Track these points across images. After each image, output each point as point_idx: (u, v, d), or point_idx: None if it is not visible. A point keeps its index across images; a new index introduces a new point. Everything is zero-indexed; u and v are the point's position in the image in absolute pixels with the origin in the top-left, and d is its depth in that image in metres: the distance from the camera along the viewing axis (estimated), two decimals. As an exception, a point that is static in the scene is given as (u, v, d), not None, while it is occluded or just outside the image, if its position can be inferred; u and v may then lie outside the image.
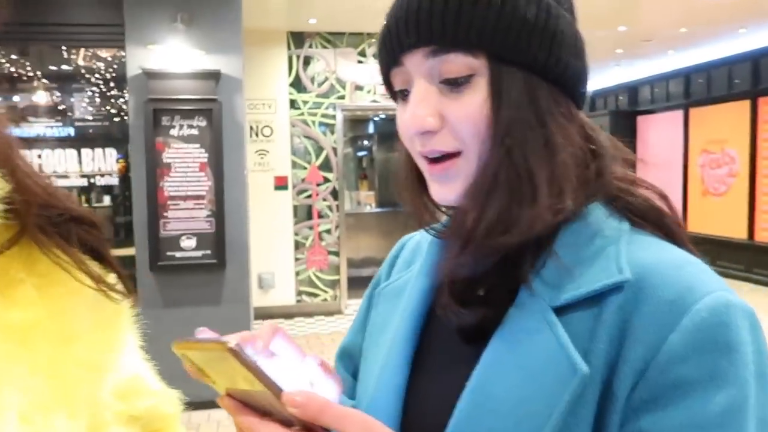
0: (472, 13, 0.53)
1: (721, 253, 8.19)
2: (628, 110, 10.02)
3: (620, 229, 0.56)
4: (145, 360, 0.73)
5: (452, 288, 0.58)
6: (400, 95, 0.60)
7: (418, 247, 0.74)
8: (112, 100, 4.56)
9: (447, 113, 0.55)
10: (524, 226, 0.53)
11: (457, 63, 0.54)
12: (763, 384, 0.48)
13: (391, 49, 0.57)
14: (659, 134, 9.39)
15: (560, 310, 0.52)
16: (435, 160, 0.57)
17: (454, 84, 0.54)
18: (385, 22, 0.59)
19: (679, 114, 8.90)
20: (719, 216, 8.17)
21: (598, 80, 10.42)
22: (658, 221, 0.60)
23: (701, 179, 8.52)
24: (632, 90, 10.03)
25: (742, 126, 7.74)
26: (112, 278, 0.64)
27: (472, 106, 0.54)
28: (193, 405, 3.27)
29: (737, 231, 7.87)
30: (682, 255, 0.56)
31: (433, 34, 0.54)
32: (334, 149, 5.99)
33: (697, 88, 8.60)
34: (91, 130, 4.58)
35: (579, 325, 0.51)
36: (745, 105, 7.71)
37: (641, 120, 9.79)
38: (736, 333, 0.48)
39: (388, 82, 0.62)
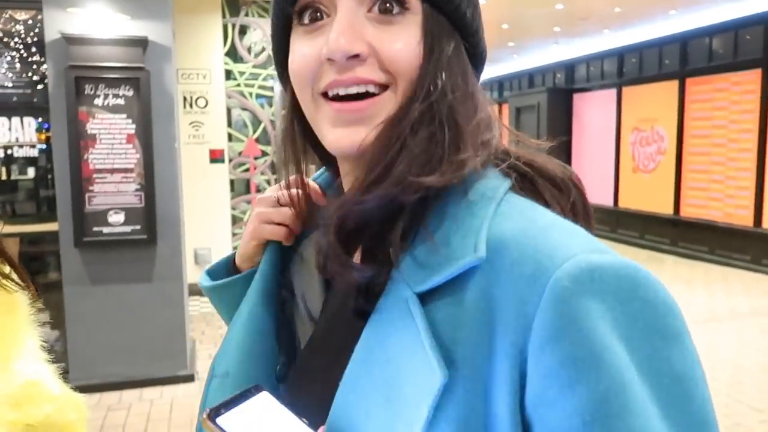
0: None
1: (648, 228, 8.57)
2: (564, 88, 10.25)
3: (495, 193, 0.51)
4: (45, 361, 0.69)
5: (339, 233, 0.51)
6: (303, 19, 0.54)
7: None
8: (33, 66, 4.30)
9: (378, 43, 0.51)
10: (449, 168, 0.49)
11: None
12: (654, 343, 0.41)
13: None
14: (594, 112, 9.66)
15: (426, 296, 0.47)
16: (347, 99, 0.52)
17: (388, 13, 0.52)
18: None
19: (612, 92, 9.17)
20: (648, 192, 8.52)
21: (536, 57, 10.59)
22: (550, 180, 0.57)
23: (632, 156, 8.83)
24: (569, 68, 10.24)
25: (671, 105, 8.05)
26: (5, 269, 0.59)
27: (408, 39, 0.52)
28: (146, 382, 3.19)
29: (664, 206, 8.24)
30: (549, 219, 0.48)
31: None
32: (272, 122, 5.86)
33: (629, 68, 8.87)
34: (10, 98, 4.31)
35: (444, 312, 0.46)
36: (673, 85, 8.01)
37: (577, 97, 10.04)
38: (599, 301, 0.41)
39: (283, 4, 0.56)
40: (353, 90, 0.52)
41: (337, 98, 0.53)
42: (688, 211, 7.92)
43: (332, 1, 0.52)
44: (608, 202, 9.23)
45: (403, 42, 0.51)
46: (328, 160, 0.66)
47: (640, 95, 8.65)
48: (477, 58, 0.58)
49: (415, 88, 0.52)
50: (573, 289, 0.41)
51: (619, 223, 9.10)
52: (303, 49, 0.54)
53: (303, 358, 0.64)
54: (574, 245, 0.44)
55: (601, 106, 9.47)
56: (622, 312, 0.41)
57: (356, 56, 0.51)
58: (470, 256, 0.46)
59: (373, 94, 0.52)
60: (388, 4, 0.52)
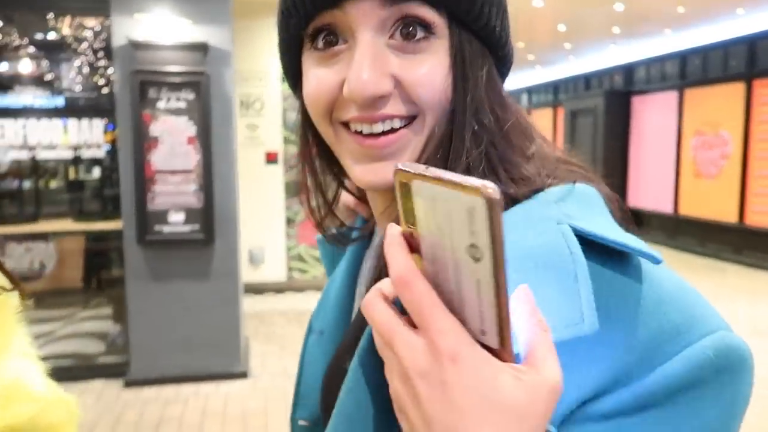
0: None
1: (710, 236, 8.23)
2: (623, 90, 9.97)
3: (567, 238, 0.43)
4: (34, 360, 0.67)
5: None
6: (316, 43, 0.50)
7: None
8: (100, 71, 4.48)
9: (402, 74, 0.48)
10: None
11: (420, 12, 0.47)
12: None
13: None
14: (654, 115, 9.36)
15: None
16: (379, 135, 0.49)
17: (411, 39, 0.48)
18: None
19: (673, 95, 8.87)
20: (710, 198, 8.19)
21: (593, 59, 10.35)
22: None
23: (694, 161, 8.52)
24: (628, 70, 9.96)
25: (737, 108, 7.72)
26: None
27: (434, 70, 0.48)
28: (202, 377, 3.26)
29: (728, 214, 7.90)
30: (671, 281, 0.45)
31: None
32: (326, 125, 5.93)
33: (692, 70, 8.55)
34: (78, 101, 4.51)
35: None
36: (740, 87, 7.68)
37: (636, 100, 9.75)
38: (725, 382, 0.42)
39: (294, 28, 0.51)
40: (378, 128, 0.49)
41: (360, 133, 0.50)
42: (753, 219, 7.58)
43: (349, 26, 0.48)
44: (668, 208, 8.93)
45: (429, 72, 0.48)
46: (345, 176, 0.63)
47: (704, 98, 8.34)
48: (506, 66, 0.54)
49: (451, 124, 0.48)
50: (715, 362, 0.41)
51: (678, 230, 8.78)
52: (319, 76, 0.50)
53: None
54: (715, 318, 0.44)
55: (661, 109, 9.17)
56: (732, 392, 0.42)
57: (381, 97, 0.48)
58: (576, 326, 0.39)
59: (399, 128, 0.49)
60: (411, 29, 0.48)
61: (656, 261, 0.43)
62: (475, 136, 0.48)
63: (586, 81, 11.24)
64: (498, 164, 0.48)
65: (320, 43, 0.50)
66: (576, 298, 0.40)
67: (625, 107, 9.83)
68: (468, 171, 0.47)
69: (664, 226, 9.01)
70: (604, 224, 0.45)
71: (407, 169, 0.33)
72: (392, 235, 0.36)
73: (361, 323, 0.55)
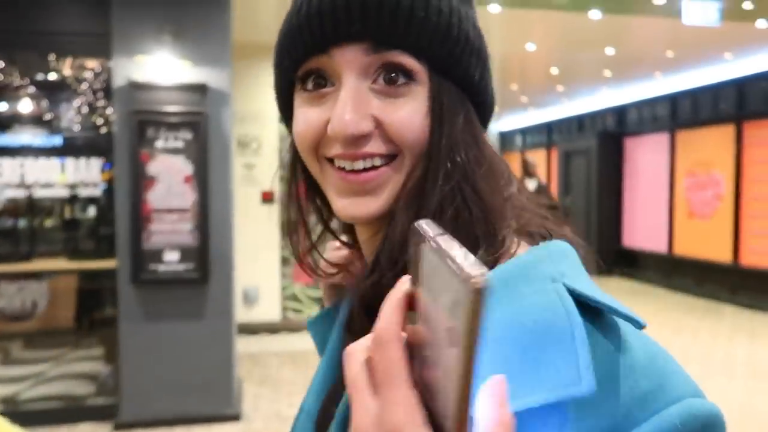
0: (424, 16, 0.50)
1: (706, 276, 8.24)
2: (615, 131, 10.11)
3: (561, 297, 0.44)
4: None
5: (359, 311, 0.52)
6: (306, 85, 0.54)
7: None
8: (99, 111, 4.53)
9: (383, 117, 0.51)
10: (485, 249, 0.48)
11: (402, 60, 0.50)
12: None
13: (320, 36, 0.51)
14: (646, 156, 9.47)
15: None
16: (359, 172, 0.52)
17: (393, 84, 0.51)
18: (304, 3, 0.52)
19: (665, 136, 9.00)
20: (705, 239, 8.23)
21: (586, 102, 10.52)
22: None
23: (687, 201, 8.58)
24: (620, 112, 10.13)
25: (728, 149, 7.83)
26: None
27: (414, 113, 0.51)
28: (195, 419, 3.20)
29: (722, 254, 7.93)
30: (643, 343, 0.46)
31: (381, 27, 0.49)
32: (323, 164, 5.98)
33: (683, 111, 8.70)
34: (77, 140, 4.54)
35: None
36: (730, 129, 7.80)
37: (629, 141, 9.89)
38: None
39: (286, 71, 0.55)
40: (359, 165, 0.52)
41: (343, 169, 0.53)
42: (748, 259, 7.59)
43: (336, 70, 0.52)
44: (662, 248, 8.95)
45: (409, 115, 0.51)
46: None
47: (695, 139, 8.46)
48: (486, 112, 0.57)
49: (427, 163, 0.51)
50: (682, 430, 0.41)
51: (674, 271, 8.78)
52: (307, 115, 0.54)
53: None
54: (684, 385, 0.44)
55: (653, 150, 9.28)
56: None
57: (362, 137, 0.51)
58: (573, 386, 0.39)
59: (379, 166, 0.52)
60: (393, 74, 0.51)
61: (640, 326, 0.45)
62: (448, 174, 0.51)
63: (579, 122, 11.41)
64: (473, 202, 0.50)
65: (310, 85, 0.54)
66: (573, 358, 0.40)
67: (618, 148, 9.96)
68: (441, 206, 0.50)
69: (660, 267, 9.01)
70: (590, 284, 0.47)
71: (421, 230, 0.34)
72: (396, 290, 0.36)
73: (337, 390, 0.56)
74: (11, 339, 4.94)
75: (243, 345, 5.40)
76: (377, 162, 0.52)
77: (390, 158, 0.52)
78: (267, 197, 5.84)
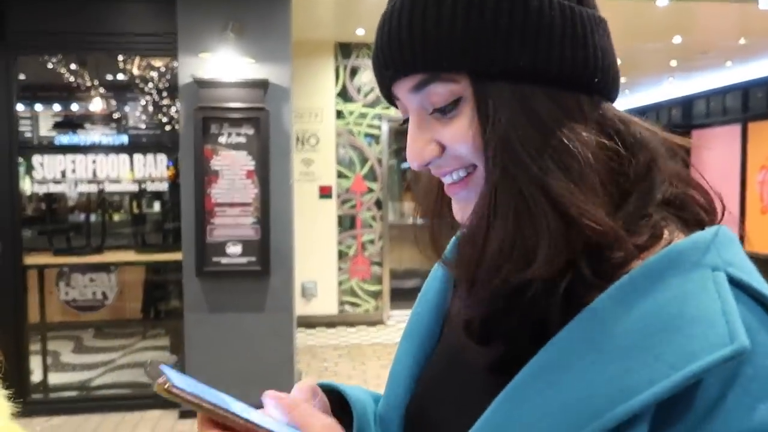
0: (438, 35, 0.49)
1: (780, 275, 7.82)
2: (681, 124, 9.72)
3: (702, 258, 0.46)
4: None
5: (466, 329, 0.53)
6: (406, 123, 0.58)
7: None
8: (164, 109, 4.68)
9: (442, 140, 0.53)
10: (545, 257, 0.46)
11: (440, 93, 0.51)
12: None
13: (379, 77, 0.56)
14: (716, 149, 9.06)
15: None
16: (450, 184, 0.55)
17: (443, 112, 0.52)
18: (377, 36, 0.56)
19: (736, 128, 8.58)
20: (779, 235, 7.81)
21: (650, 94, 10.16)
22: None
23: (760, 196, 8.16)
24: (686, 104, 9.72)
25: (805, 141, 7.40)
26: None
27: (461, 130, 0.51)
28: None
29: (799, 251, 7.50)
30: None
31: (407, 64, 0.51)
32: (379, 160, 5.98)
33: (756, 102, 8.27)
34: (143, 138, 4.70)
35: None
36: (808, 120, 7.37)
37: (696, 135, 9.48)
38: None
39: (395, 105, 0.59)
40: (449, 180, 0.55)
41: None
42: (828, 258, 7.17)
43: (404, 106, 0.55)
44: (732, 245, 8.55)
45: (455, 136, 0.52)
46: None
47: (769, 131, 8.03)
48: (565, 75, 0.50)
49: (486, 170, 0.51)
50: None
51: (745, 269, 8.39)
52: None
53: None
54: None
55: (723, 143, 8.87)
56: None
57: (429, 162, 0.54)
58: (725, 346, 0.41)
59: (464, 177, 0.54)
60: (440, 106, 0.52)
61: None
62: (502, 178, 0.49)
63: (643, 115, 11.00)
64: (539, 204, 0.47)
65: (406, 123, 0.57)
66: (721, 322, 0.41)
67: (687, 149, 9.57)
68: (495, 211, 0.49)
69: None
70: (758, 277, 0.47)
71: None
72: (198, 422, 0.51)
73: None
74: (83, 328, 5.17)
75: (301, 338, 5.47)
76: (462, 173, 0.54)
77: (473, 167, 0.53)
78: (325, 192, 5.90)
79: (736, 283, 0.45)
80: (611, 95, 0.54)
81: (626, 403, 0.41)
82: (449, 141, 0.52)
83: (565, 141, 0.48)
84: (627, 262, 0.48)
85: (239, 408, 0.51)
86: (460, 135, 0.51)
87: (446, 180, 0.55)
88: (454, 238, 0.64)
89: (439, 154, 0.53)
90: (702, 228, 0.50)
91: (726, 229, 0.50)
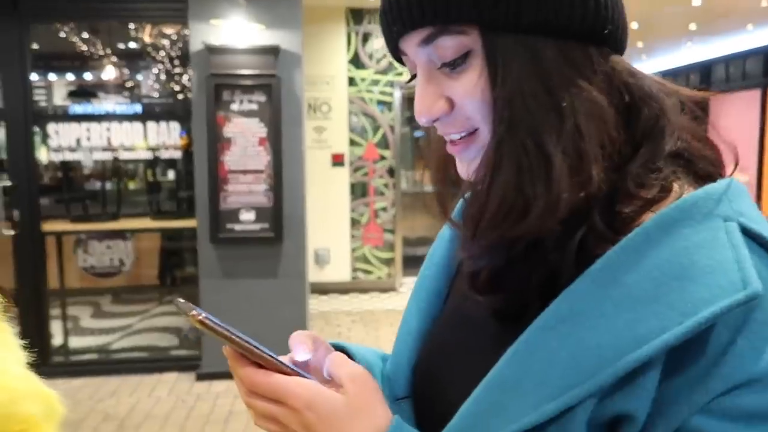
0: None
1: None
2: (700, 89, 9.52)
3: (715, 209, 0.47)
4: (14, 350, 0.65)
5: (471, 280, 0.55)
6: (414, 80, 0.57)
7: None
8: (177, 76, 4.68)
9: (452, 95, 0.53)
10: (542, 210, 0.47)
11: (449, 46, 0.50)
12: None
13: (388, 33, 0.55)
14: (734, 115, 8.91)
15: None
16: (455, 141, 0.55)
17: (453, 66, 0.51)
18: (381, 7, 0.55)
19: (756, 94, 8.41)
20: (797, 203, 7.71)
21: (668, 59, 9.96)
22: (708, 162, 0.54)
23: None
24: (705, 68, 9.52)
25: (827, 107, 7.24)
26: None
27: (471, 84, 0.51)
28: (215, 375, 3.27)
29: (816, 219, 7.42)
30: None
31: (415, 17, 0.50)
32: (392, 127, 5.96)
33: (777, 67, 8.09)
34: (156, 106, 4.72)
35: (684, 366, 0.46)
36: (830, 84, 7.20)
37: (714, 100, 9.31)
38: None
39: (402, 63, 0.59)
40: (454, 137, 0.55)
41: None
42: None
43: (413, 62, 0.55)
44: (748, 213, 8.47)
45: (465, 91, 0.51)
46: None
47: (790, 97, 7.86)
48: (575, 27, 0.49)
49: (491, 126, 0.51)
50: None
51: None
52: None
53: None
54: None
55: (742, 109, 8.71)
56: None
57: (438, 119, 0.54)
58: (738, 292, 0.42)
59: (466, 136, 0.54)
60: (449, 60, 0.52)
61: None
62: (505, 131, 0.49)
63: (660, 81, 10.84)
64: (533, 156, 0.48)
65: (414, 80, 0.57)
66: (734, 269, 0.43)
67: (703, 107, 9.41)
68: (499, 163, 0.50)
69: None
70: None
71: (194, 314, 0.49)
72: (227, 357, 0.54)
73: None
74: (101, 294, 5.28)
75: (315, 304, 5.55)
76: (464, 134, 0.54)
77: (474, 130, 0.53)
78: (337, 159, 5.90)
79: (747, 233, 0.46)
80: (620, 48, 0.53)
81: (637, 351, 0.42)
82: (458, 96, 0.52)
83: (572, 96, 0.48)
84: (638, 215, 0.49)
85: (264, 348, 0.53)
86: (469, 89, 0.51)
87: (450, 138, 0.55)
88: (461, 200, 0.65)
89: (448, 111, 0.53)
90: (712, 182, 0.50)
91: (737, 181, 0.50)
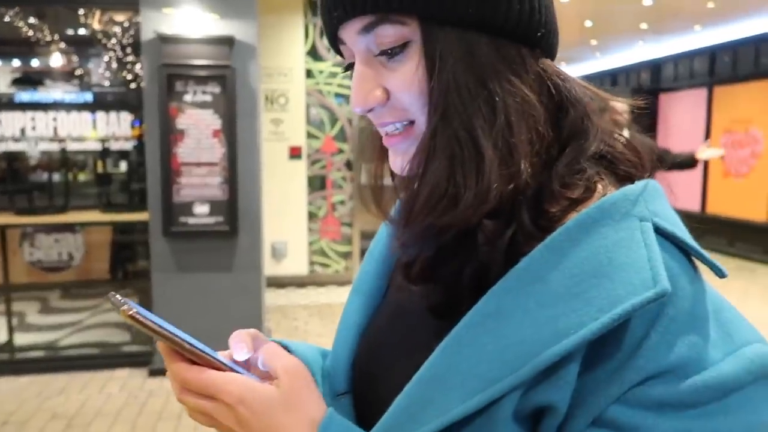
0: None
1: (739, 235, 8.08)
2: (650, 87, 9.82)
3: (632, 209, 0.49)
4: None
5: (405, 270, 0.56)
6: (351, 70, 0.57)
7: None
8: (128, 65, 4.55)
9: (388, 85, 0.53)
10: (472, 200, 0.49)
11: (389, 35, 0.51)
12: None
13: (329, 25, 0.55)
14: (682, 113, 9.20)
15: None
16: (391, 134, 0.55)
17: (391, 55, 0.52)
18: None
19: (702, 92, 8.71)
20: (739, 198, 8.03)
21: (620, 56, 10.21)
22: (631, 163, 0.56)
23: (722, 160, 8.35)
24: (655, 67, 9.81)
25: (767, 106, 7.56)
26: None
27: (408, 75, 0.52)
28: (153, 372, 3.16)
29: (757, 213, 7.74)
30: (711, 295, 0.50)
31: (357, 5, 0.51)
32: (350, 120, 5.94)
33: (722, 66, 8.39)
34: (107, 96, 4.58)
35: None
36: (771, 84, 7.51)
37: (664, 98, 9.60)
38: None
39: (339, 52, 0.59)
40: (390, 129, 0.55)
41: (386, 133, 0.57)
42: (784, 219, 7.40)
43: (350, 50, 0.55)
44: (695, 207, 8.78)
45: (402, 81, 0.52)
46: None
47: (734, 95, 8.17)
48: (511, 26, 0.51)
49: (427, 117, 0.52)
50: (758, 369, 0.45)
51: (706, 230, 8.63)
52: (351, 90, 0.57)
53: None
54: (752, 332, 0.49)
55: (689, 106, 9.01)
56: None
57: (373, 108, 0.54)
58: (648, 289, 0.44)
59: (402, 130, 0.54)
60: (387, 49, 0.52)
61: (722, 274, 0.50)
62: (441, 122, 0.50)
63: (613, 78, 11.10)
64: (467, 147, 0.49)
65: (351, 69, 0.57)
66: (646, 267, 0.45)
67: (653, 105, 9.69)
68: (434, 154, 0.50)
69: (692, 226, 8.84)
70: (681, 227, 0.51)
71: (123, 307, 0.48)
72: (161, 352, 0.54)
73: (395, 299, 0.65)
74: (49, 289, 5.12)
75: (272, 298, 5.51)
76: (399, 127, 0.54)
77: (411, 123, 0.54)
78: (295, 152, 5.86)
79: (661, 233, 0.48)
80: (551, 52, 0.55)
81: (557, 345, 0.44)
82: (395, 86, 0.52)
83: (504, 92, 0.50)
84: (564, 214, 0.51)
85: (199, 344, 0.53)
86: (406, 79, 0.52)
87: (386, 130, 0.56)
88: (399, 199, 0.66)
89: (384, 101, 0.53)
90: (632, 182, 0.52)
91: (654, 182, 0.52)
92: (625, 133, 0.59)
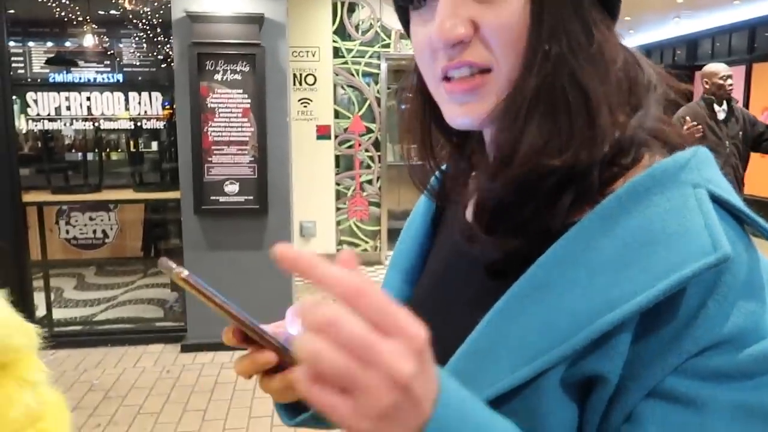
0: None
1: (776, 217, 7.88)
2: (686, 65, 9.55)
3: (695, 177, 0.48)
4: None
5: (477, 216, 0.54)
6: (414, 3, 0.54)
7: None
8: (159, 45, 4.59)
9: (481, 21, 0.49)
10: (587, 142, 0.47)
11: None
12: None
13: None
14: (718, 91, 8.93)
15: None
16: (459, 80, 0.51)
17: None
18: None
19: (741, 69, 8.44)
20: (777, 178, 7.81)
21: (655, 33, 9.94)
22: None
23: (761, 139, 8.12)
24: (691, 43, 9.54)
25: (810, 83, 7.29)
26: None
27: (510, 11, 0.48)
28: (200, 347, 3.30)
29: (796, 194, 7.53)
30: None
31: None
32: (378, 99, 5.91)
33: (762, 42, 8.11)
34: (138, 76, 4.63)
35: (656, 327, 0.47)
36: (814, 60, 7.24)
37: (700, 75, 9.34)
38: None
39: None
40: (465, 72, 0.51)
41: (449, 79, 0.52)
42: (824, 201, 7.19)
43: None
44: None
45: (502, 17, 0.48)
46: (453, 138, 0.64)
47: (774, 72, 7.91)
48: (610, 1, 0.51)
49: (526, 60, 0.48)
50: None
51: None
52: (417, 35, 0.54)
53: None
54: None
55: (726, 84, 8.74)
56: None
57: (460, 42, 0.49)
58: (709, 255, 0.43)
59: (482, 72, 0.51)
60: None
61: None
62: (544, 65, 0.48)
63: (647, 55, 10.79)
64: (572, 90, 0.48)
65: (417, 3, 0.54)
66: (704, 234, 0.44)
67: (689, 82, 9.45)
68: (536, 97, 0.48)
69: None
70: (734, 195, 0.48)
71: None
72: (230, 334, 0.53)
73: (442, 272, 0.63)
74: (85, 266, 5.25)
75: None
76: (469, 72, 0.51)
77: (486, 71, 0.50)
78: (323, 132, 5.86)
79: (715, 199, 0.47)
80: (615, 16, 0.54)
81: (610, 314, 0.43)
82: (490, 23, 0.49)
83: (605, 45, 0.49)
84: (613, 180, 0.50)
85: (249, 315, 0.50)
86: (509, 18, 0.48)
87: (452, 74, 0.51)
88: (437, 173, 0.66)
89: (471, 36, 0.49)
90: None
91: (704, 149, 0.51)
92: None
